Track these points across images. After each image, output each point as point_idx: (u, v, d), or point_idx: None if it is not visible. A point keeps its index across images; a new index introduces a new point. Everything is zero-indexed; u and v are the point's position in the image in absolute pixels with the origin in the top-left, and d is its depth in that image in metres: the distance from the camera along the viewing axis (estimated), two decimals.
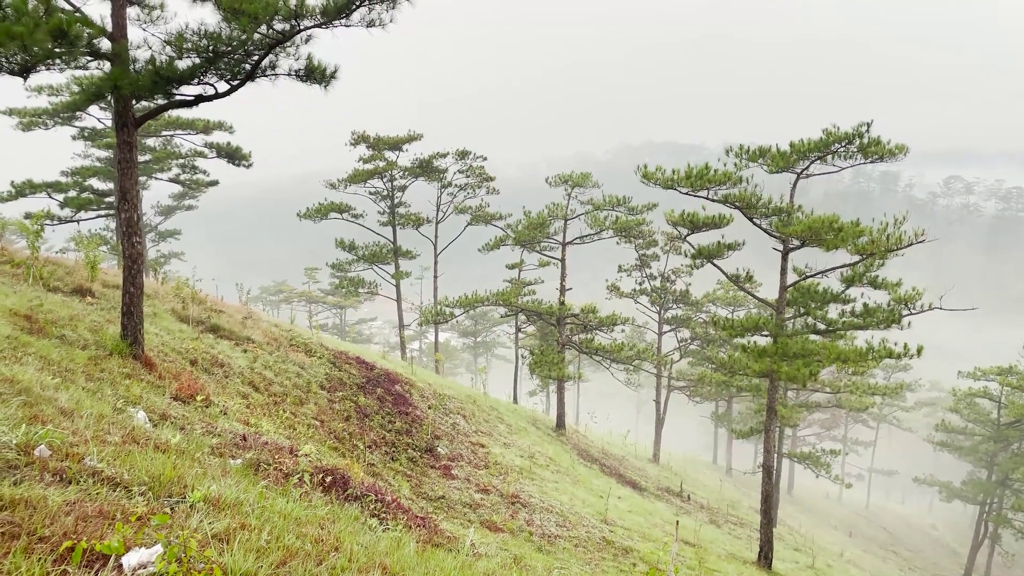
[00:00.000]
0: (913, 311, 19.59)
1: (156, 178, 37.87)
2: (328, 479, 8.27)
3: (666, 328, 44.84)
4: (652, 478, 34.32)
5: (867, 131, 19.23)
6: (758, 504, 32.56)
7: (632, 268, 43.72)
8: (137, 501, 4.97)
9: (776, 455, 32.64)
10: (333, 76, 10.55)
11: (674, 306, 44.97)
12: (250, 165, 31.62)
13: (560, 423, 33.89)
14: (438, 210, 42.01)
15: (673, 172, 20.03)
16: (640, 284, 43.61)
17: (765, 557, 20.81)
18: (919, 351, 18.55)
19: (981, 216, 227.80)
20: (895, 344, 19.03)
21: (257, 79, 10.38)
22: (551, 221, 35.35)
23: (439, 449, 17.43)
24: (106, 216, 35.85)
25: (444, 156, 40.27)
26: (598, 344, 35.57)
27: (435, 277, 41.31)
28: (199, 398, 10.50)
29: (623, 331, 41.88)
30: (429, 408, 20.21)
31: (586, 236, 35.81)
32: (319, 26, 9.99)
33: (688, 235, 22.28)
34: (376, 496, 8.52)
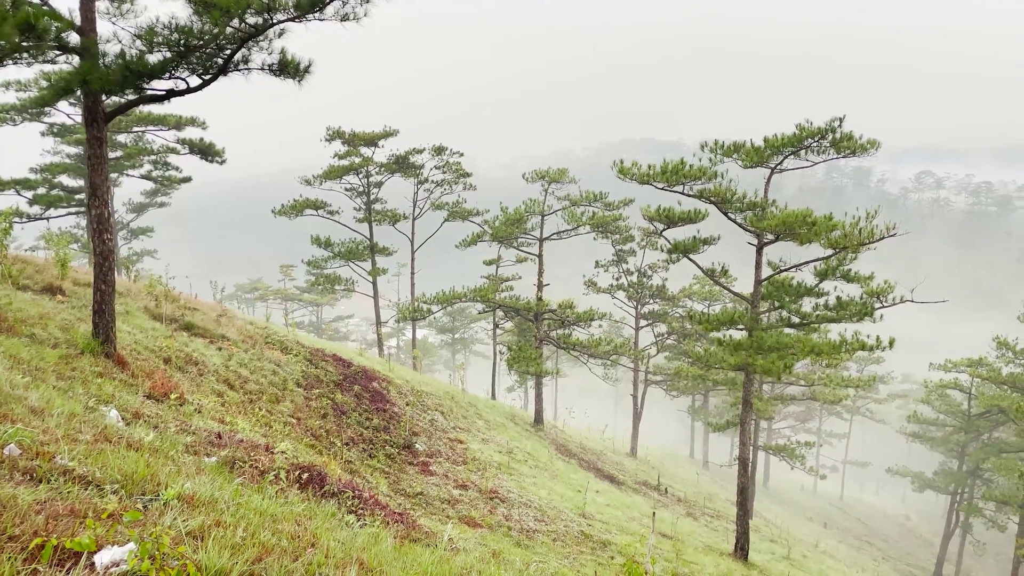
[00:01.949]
0: (885, 304, 19.85)
1: (128, 175, 37.39)
2: (305, 476, 8.22)
3: (643, 323, 45.07)
4: (630, 472, 34.52)
5: (839, 126, 19.44)
6: (734, 496, 32.89)
7: (609, 264, 43.88)
8: (109, 499, 4.91)
9: (752, 448, 33.00)
10: (307, 71, 10.47)
11: (651, 301, 45.22)
12: (223, 161, 31.28)
13: (538, 418, 33.96)
14: (415, 206, 41.87)
15: (649, 168, 20.12)
16: (617, 279, 43.78)
17: (741, 548, 21.02)
18: (891, 343, 18.81)
19: (952, 211, 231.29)
20: (868, 337, 19.27)
21: (230, 73, 10.28)
22: (528, 217, 35.36)
23: (417, 446, 17.40)
24: (76, 213, 35.38)
25: (420, 152, 40.12)
26: (576, 339, 35.68)
27: (412, 274, 41.18)
28: (173, 396, 10.39)
29: (600, 326, 42.15)
30: (407, 405, 20.17)
31: (563, 232, 35.88)
32: (292, 20, 9.90)
33: (664, 230, 22.41)
34: (353, 493, 8.49)
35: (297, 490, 7.79)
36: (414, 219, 41.50)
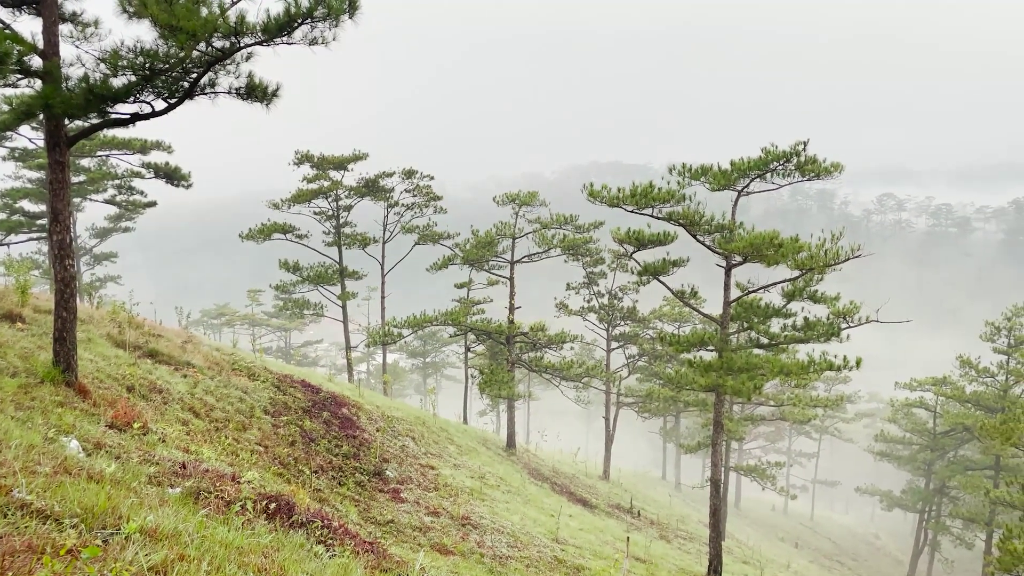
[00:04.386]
0: (851, 324, 20.15)
1: (91, 199, 36.82)
2: (272, 506, 8.04)
3: (614, 345, 45.18)
4: (603, 495, 34.39)
5: (804, 150, 19.78)
6: (707, 518, 32.89)
7: (580, 286, 43.98)
8: (68, 534, 4.75)
9: (723, 469, 33.08)
10: (275, 94, 10.40)
11: (622, 323, 45.37)
12: (189, 186, 30.88)
13: (511, 442, 33.76)
14: (385, 230, 41.69)
15: (618, 190, 20.27)
16: (588, 302, 43.88)
17: (715, 571, 20.98)
18: (858, 363, 19.07)
19: (913, 232, 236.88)
20: (835, 357, 19.53)
21: (196, 97, 10.17)
22: (499, 240, 35.39)
23: (388, 472, 17.17)
24: (38, 239, 34.70)
25: (390, 175, 40.03)
26: (548, 362, 35.66)
27: (382, 297, 40.91)
28: (136, 425, 10.14)
29: (572, 349, 42.06)
30: (377, 431, 19.92)
31: (534, 255, 35.96)
32: (260, 44, 9.83)
33: (634, 252, 22.54)
34: (322, 522, 8.31)
35: (264, 521, 7.60)
36: (384, 243, 41.30)
